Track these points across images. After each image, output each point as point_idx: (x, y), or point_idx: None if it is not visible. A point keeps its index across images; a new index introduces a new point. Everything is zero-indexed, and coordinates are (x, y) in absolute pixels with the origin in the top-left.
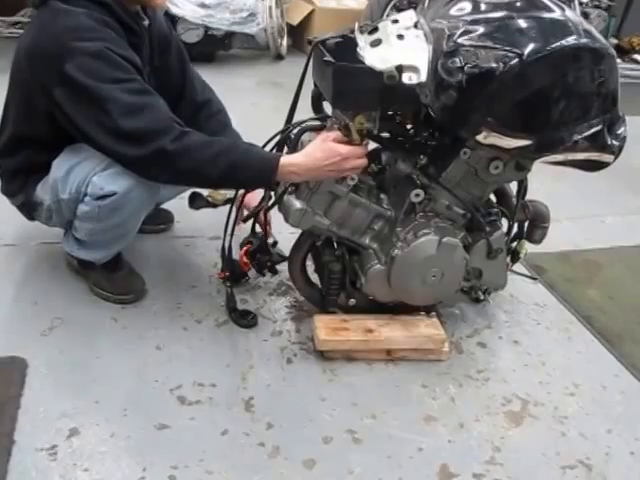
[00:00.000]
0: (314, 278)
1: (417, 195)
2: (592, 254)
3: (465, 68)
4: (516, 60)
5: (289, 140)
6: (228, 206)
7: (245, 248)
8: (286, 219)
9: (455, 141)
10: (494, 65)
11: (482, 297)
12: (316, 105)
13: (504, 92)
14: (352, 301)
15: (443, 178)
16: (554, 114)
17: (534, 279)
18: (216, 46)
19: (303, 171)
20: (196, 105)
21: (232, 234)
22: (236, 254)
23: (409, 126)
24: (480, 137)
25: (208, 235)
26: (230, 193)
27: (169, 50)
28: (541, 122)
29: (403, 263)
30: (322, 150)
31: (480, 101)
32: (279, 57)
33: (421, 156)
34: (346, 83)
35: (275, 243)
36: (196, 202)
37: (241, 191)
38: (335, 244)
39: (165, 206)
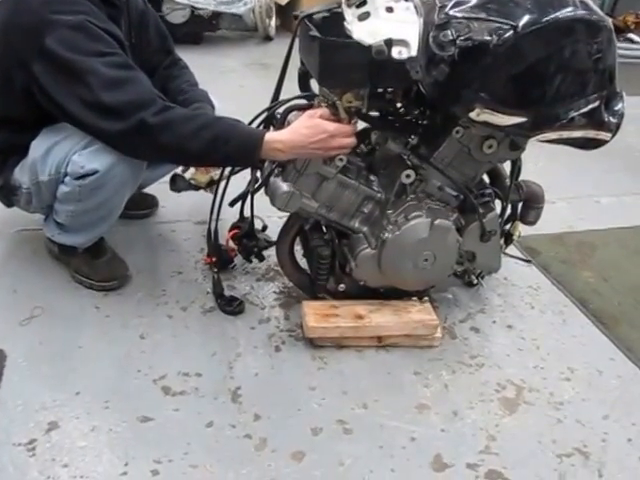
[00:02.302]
0: (303, 263)
1: (408, 176)
2: (586, 235)
3: (457, 41)
4: (510, 32)
5: (275, 119)
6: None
7: (231, 233)
8: (272, 202)
9: (447, 119)
10: (488, 38)
11: (475, 281)
12: (303, 83)
13: (498, 66)
14: (342, 287)
15: (435, 158)
16: (550, 89)
17: (528, 261)
18: (203, 27)
19: (288, 148)
20: (179, 89)
21: (217, 218)
22: (223, 239)
23: (399, 104)
24: (473, 114)
25: (194, 219)
26: (215, 174)
27: (147, 26)
28: (536, 98)
29: (394, 247)
30: (308, 127)
31: (473, 76)
32: (267, 38)
33: (412, 136)
34: (333, 59)
35: (264, 228)
36: (177, 184)
37: (226, 173)
38: (324, 228)
39: (149, 190)
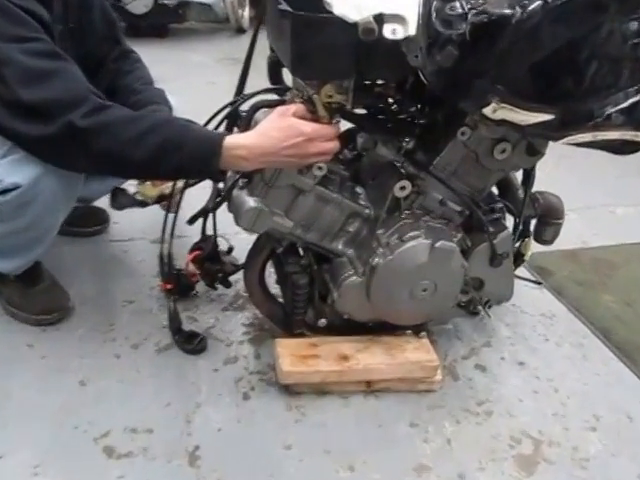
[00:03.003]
0: (277, 290)
1: (402, 188)
2: (603, 252)
3: (469, 16)
4: (538, 4)
5: (239, 118)
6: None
7: (192, 255)
8: (236, 221)
9: (451, 118)
10: (508, 11)
11: (482, 311)
12: (274, 74)
13: (521, 48)
14: (322, 322)
15: (435, 166)
16: (583, 79)
17: (539, 284)
18: (168, 17)
19: (255, 155)
20: (131, 88)
21: (171, 239)
22: (184, 261)
23: (392, 99)
24: (488, 110)
25: (151, 237)
26: (166, 187)
27: (91, 8)
28: (567, 90)
29: (386, 274)
30: (280, 128)
31: (489, 61)
32: (240, 30)
33: (407, 138)
34: (308, 40)
35: (230, 249)
36: (119, 199)
37: (180, 184)
38: (300, 251)
39: (99, 204)
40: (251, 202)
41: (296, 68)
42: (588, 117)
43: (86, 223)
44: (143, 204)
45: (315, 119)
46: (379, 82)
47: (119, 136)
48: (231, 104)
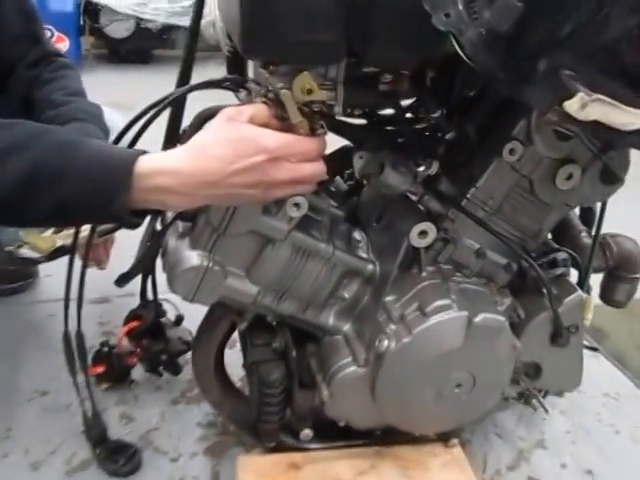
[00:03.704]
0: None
1: (423, 234)
2: None
3: None
4: None
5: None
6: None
7: (127, 327)
8: (171, 285)
9: (493, 128)
10: None
11: (537, 405)
12: (234, 69)
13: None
14: (307, 433)
15: (470, 200)
16: None
17: (594, 350)
18: (152, 43)
19: (189, 186)
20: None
21: (80, 306)
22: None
23: (405, 100)
24: (572, 106)
25: (92, 296)
26: (66, 234)
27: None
28: None
29: (400, 364)
30: (227, 141)
31: (575, 22)
32: None
33: (428, 159)
34: (270, 1)
35: (179, 319)
36: None
37: (85, 231)
38: (274, 324)
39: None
40: (193, 258)
41: (249, 44)
42: None
43: (2, 278)
44: (29, 262)
45: (286, 128)
46: (385, 70)
47: None
48: (159, 103)
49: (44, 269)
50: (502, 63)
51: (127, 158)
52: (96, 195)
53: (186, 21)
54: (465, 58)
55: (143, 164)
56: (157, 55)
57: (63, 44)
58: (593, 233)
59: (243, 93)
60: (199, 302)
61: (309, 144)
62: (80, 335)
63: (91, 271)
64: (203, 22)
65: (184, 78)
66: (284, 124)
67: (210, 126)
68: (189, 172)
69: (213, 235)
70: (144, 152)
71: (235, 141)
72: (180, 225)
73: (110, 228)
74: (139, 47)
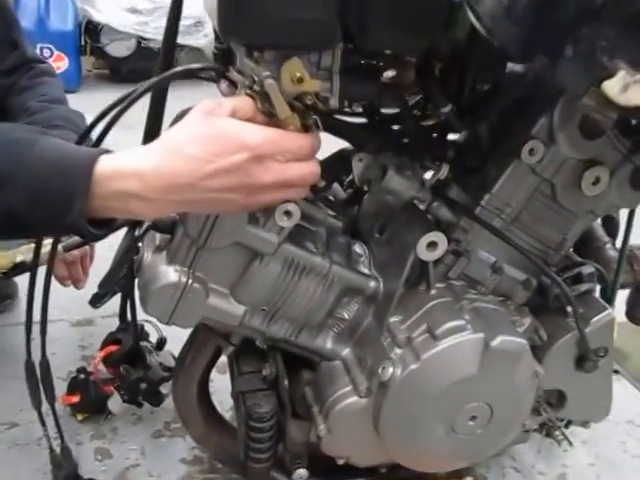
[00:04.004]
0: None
1: (432, 245)
2: None
3: None
4: None
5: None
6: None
7: (103, 353)
8: (145, 305)
9: (511, 125)
10: None
11: (560, 438)
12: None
13: None
14: (301, 473)
15: (485, 207)
16: None
17: (615, 372)
18: (153, 62)
19: (158, 190)
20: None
21: (44, 330)
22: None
23: (411, 93)
24: (614, 88)
25: (75, 318)
26: (26, 248)
27: None
28: None
29: (407, 394)
30: (204, 138)
31: None
32: None
33: (438, 162)
34: None
35: (161, 342)
36: None
37: (47, 246)
38: (264, 349)
39: None
40: (169, 274)
41: (229, 23)
42: None
43: None
44: None
45: (274, 125)
46: (388, 57)
47: None
48: (121, 100)
49: (25, 289)
50: (527, 38)
51: (85, 158)
52: (49, 202)
53: (188, 40)
54: (483, 32)
55: (104, 165)
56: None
57: (62, 63)
58: (619, 245)
59: (225, 84)
60: (177, 324)
61: (300, 140)
62: (45, 363)
63: (72, 291)
64: (204, 40)
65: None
66: (272, 120)
67: (184, 121)
68: (157, 174)
69: (192, 248)
70: (106, 151)
71: (212, 137)
72: (157, 238)
73: (77, 242)
74: (140, 66)
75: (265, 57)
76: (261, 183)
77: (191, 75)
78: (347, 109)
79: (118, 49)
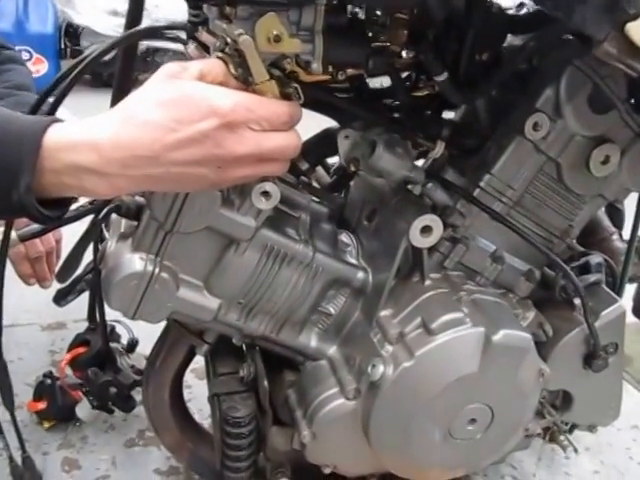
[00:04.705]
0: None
1: (426, 230)
2: None
3: None
4: None
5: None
6: None
7: (70, 355)
8: (107, 297)
9: (514, 96)
10: None
11: (565, 444)
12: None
13: None
14: None
15: (484, 189)
16: None
17: None
18: (135, 66)
19: (111, 165)
20: None
21: None
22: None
23: (404, 59)
24: (636, 31)
25: (45, 321)
26: None
27: None
28: None
29: (399, 396)
30: (167, 102)
31: None
32: None
33: (431, 138)
34: None
35: (132, 344)
36: None
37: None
38: (242, 347)
39: None
40: (134, 262)
41: None
42: None
43: None
44: None
45: (248, 88)
46: (378, 17)
47: None
48: (77, 65)
49: None
50: None
51: (33, 128)
52: None
53: (170, 44)
54: None
55: (55, 135)
56: (142, 79)
57: (42, 66)
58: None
59: (193, 46)
60: (144, 319)
61: (278, 107)
62: (1, 365)
63: (42, 293)
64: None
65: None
66: (247, 88)
67: (144, 86)
68: (114, 144)
69: (159, 234)
70: (57, 120)
71: (176, 102)
72: (123, 225)
73: (34, 230)
74: None
75: (239, 13)
76: (233, 155)
77: (156, 34)
78: (331, 83)
79: None
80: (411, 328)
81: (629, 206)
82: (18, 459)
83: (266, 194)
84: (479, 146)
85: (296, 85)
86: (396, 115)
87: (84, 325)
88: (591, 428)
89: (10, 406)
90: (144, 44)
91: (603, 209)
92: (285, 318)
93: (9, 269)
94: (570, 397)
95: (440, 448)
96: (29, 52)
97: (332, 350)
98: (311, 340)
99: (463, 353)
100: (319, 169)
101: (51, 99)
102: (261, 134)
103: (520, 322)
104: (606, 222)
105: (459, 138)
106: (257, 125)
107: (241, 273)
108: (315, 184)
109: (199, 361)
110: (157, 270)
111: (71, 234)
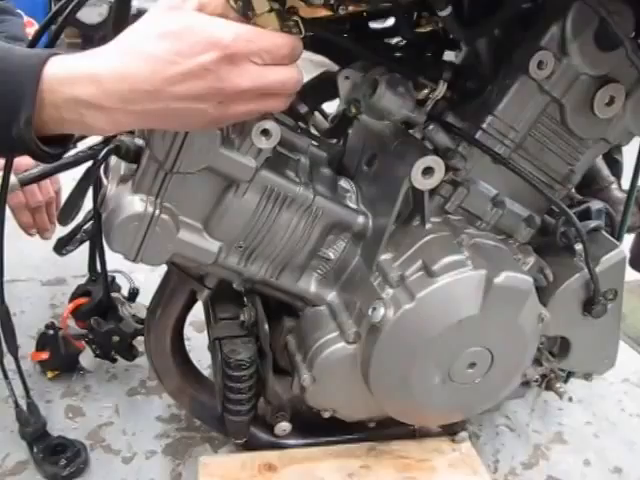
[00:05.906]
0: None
1: (428, 172)
2: None
3: None
4: None
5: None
6: None
7: (72, 305)
8: (109, 240)
9: (518, 33)
10: None
11: (561, 390)
12: None
13: None
14: (284, 427)
15: (486, 131)
16: None
17: None
18: (126, 28)
19: (111, 99)
20: None
21: (1, 275)
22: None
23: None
24: None
25: (45, 277)
26: None
27: None
28: None
29: (400, 337)
30: (167, 34)
31: None
32: None
33: (434, 78)
34: None
35: (133, 293)
36: None
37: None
38: (242, 292)
39: None
40: (135, 204)
41: None
42: None
43: None
44: None
45: (247, 21)
46: None
47: None
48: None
49: None
50: None
51: (33, 60)
52: None
53: None
54: None
55: (55, 68)
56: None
57: (32, 29)
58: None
59: None
60: (145, 262)
61: (279, 39)
62: (3, 309)
63: (43, 249)
64: None
65: None
66: (246, 21)
67: (144, 18)
68: (115, 77)
69: (159, 174)
70: (57, 53)
71: (177, 34)
72: (123, 168)
73: (34, 175)
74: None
75: None
76: (235, 89)
77: None
78: (332, 20)
79: (89, 15)
80: (412, 271)
81: (628, 157)
82: (23, 406)
83: (266, 132)
84: (481, 89)
85: (297, 19)
86: (398, 54)
87: (83, 281)
88: (587, 376)
89: (14, 351)
90: (134, 7)
91: (602, 160)
92: (285, 262)
93: (8, 225)
94: (568, 344)
95: (439, 392)
96: (19, 15)
97: (332, 295)
98: (311, 285)
99: (464, 295)
100: (317, 115)
101: None
102: (263, 67)
103: (521, 268)
104: (605, 172)
105: (461, 81)
106: (258, 58)
107: (241, 215)
108: (313, 130)
109: (197, 314)
110: (157, 211)
111: (70, 186)
